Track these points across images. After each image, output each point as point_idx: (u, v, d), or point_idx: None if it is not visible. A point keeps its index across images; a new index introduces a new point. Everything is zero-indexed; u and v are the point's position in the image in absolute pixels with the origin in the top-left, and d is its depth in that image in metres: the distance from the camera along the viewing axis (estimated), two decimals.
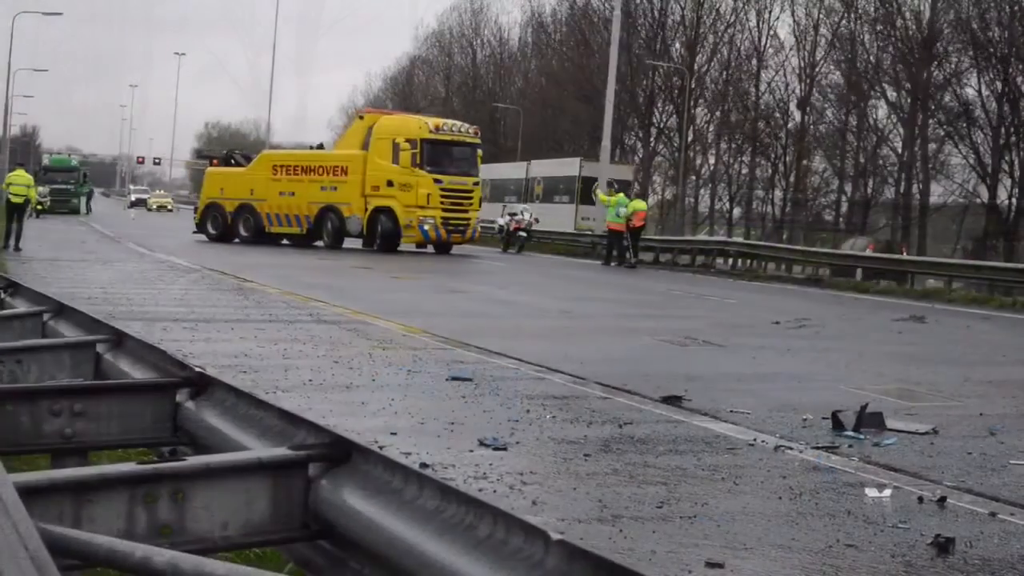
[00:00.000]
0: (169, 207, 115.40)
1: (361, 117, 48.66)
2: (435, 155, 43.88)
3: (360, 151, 45.13)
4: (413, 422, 9.87)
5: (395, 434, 9.25)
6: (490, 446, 9.01)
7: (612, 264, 43.68)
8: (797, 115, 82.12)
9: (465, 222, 45.11)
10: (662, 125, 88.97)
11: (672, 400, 11.63)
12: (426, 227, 43.45)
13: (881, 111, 76.28)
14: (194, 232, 49.14)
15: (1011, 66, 66.22)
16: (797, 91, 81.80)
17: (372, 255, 40.80)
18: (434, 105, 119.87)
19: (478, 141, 46.81)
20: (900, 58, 71.18)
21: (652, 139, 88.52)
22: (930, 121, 70.91)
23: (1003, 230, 67.30)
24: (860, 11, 75.51)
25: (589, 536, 6.74)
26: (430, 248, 45.73)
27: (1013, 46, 65.77)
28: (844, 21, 76.85)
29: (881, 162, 76.54)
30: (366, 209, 44.36)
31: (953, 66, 70.32)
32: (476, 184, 46.21)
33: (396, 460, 4.00)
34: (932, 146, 72.36)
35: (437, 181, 43.43)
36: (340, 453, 4.27)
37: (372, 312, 19.32)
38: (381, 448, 8.21)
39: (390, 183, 43.81)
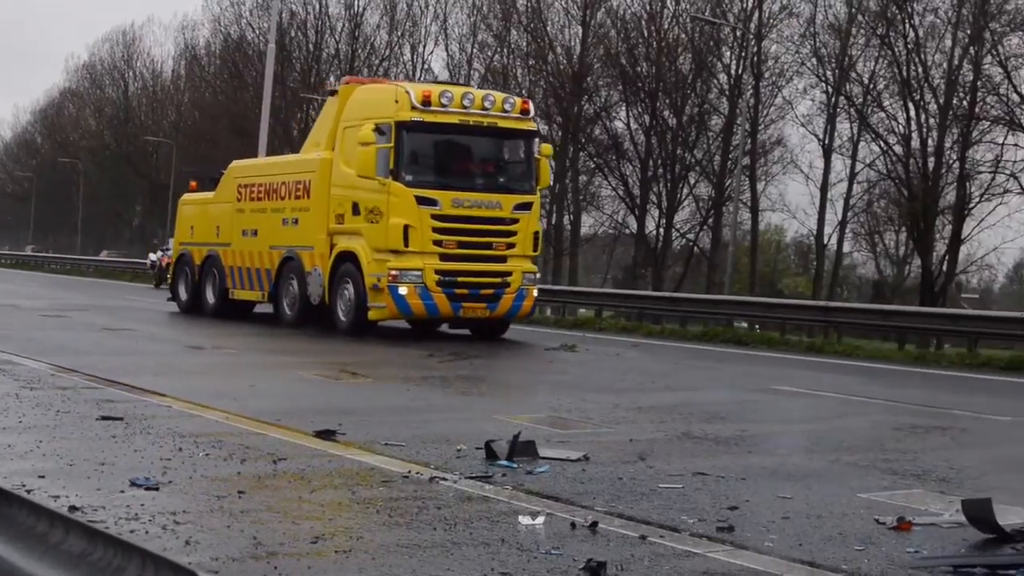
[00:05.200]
0: None
1: (333, 92, 28.65)
2: (423, 152, 25.48)
3: (327, 152, 27.04)
4: (62, 464, 9.62)
5: (43, 477, 9.00)
6: (142, 486, 8.85)
7: None
8: None
9: (496, 281, 25.62)
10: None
11: (326, 434, 11.62)
12: (402, 290, 24.61)
13: None
14: (168, 299, 34.48)
15: (658, 100, 68.43)
16: None
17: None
18: (85, 139, 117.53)
19: (526, 125, 26.40)
20: (552, 92, 72.62)
21: None
22: (581, 154, 72.60)
23: (651, 260, 69.41)
24: (513, 46, 76.85)
25: (243, 574, 6.70)
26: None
27: (660, 81, 67.97)
28: (497, 56, 78.11)
29: None
30: (330, 256, 26.21)
31: (603, 100, 72.23)
32: (524, 207, 26.01)
33: (41, 504, 3.93)
34: (583, 178, 74.17)
35: (425, 202, 24.72)
36: None
37: (20, 352, 18.76)
38: (28, 492, 8.06)
39: (356, 207, 25.60)
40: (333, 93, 28.45)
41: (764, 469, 10.90)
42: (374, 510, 8.48)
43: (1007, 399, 19.03)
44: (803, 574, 7.33)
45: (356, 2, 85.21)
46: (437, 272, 24.67)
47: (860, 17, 64.25)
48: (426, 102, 24.65)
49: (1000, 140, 58.44)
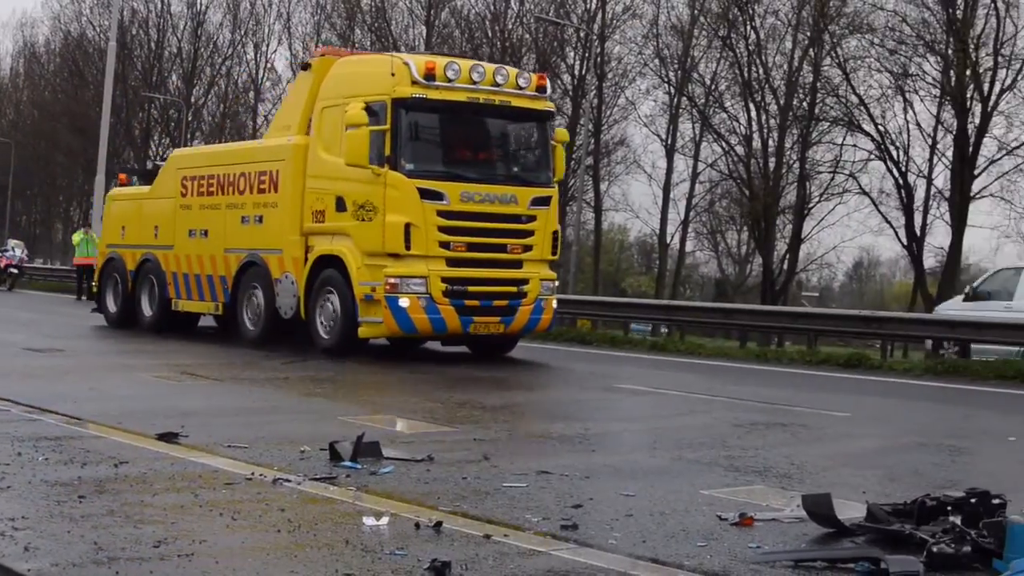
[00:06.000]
0: None
1: (306, 66, 24.02)
2: (426, 136, 21.60)
3: (301, 137, 22.81)
4: None
5: None
6: None
7: (83, 299, 41.01)
8: None
9: (511, 291, 21.82)
10: (158, 158, 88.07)
11: (169, 437, 11.47)
12: (403, 302, 20.68)
13: None
14: (93, 310, 29.93)
15: None
16: None
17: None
18: None
19: (544, 105, 22.49)
20: None
21: None
22: None
23: None
24: (357, 45, 76.48)
25: None
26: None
27: None
28: None
29: None
30: (306, 260, 22.27)
31: None
32: (542, 202, 22.17)
33: None
34: None
35: (429, 196, 20.78)
36: None
37: None
38: None
39: (341, 202, 21.58)
40: (306, 67, 23.86)
41: (607, 467, 10.95)
42: (217, 513, 8.39)
43: (846, 395, 19.33)
44: (646, 571, 7.38)
45: (199, 0, 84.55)
46: (444, 280, 20.91)
47: (702, 19, 65.18)
48: (429, 76, 20.64)
49: (839, 141, 59.92)
